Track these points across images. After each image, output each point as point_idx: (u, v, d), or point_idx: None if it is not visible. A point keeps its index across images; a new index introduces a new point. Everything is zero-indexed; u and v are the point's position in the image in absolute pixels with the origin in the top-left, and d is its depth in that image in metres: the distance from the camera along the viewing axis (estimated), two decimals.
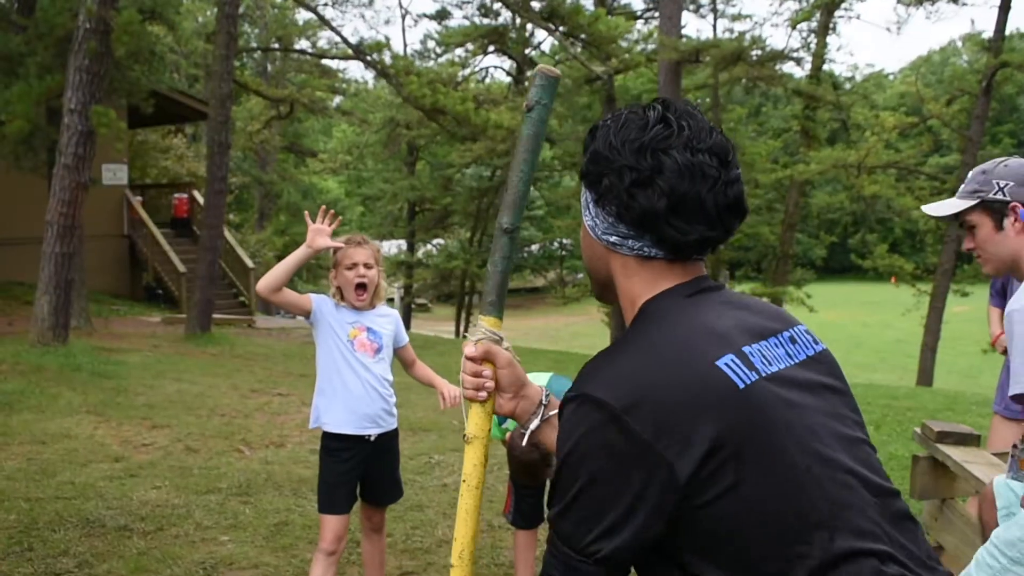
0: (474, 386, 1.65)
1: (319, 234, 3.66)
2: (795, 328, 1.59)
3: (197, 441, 7.21)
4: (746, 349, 1.45)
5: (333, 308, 3.82)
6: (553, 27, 18.00)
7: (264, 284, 3.62)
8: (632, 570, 1.45)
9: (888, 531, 1.42)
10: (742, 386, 1.39)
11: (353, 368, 3.77)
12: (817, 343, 1.61)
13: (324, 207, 3.70)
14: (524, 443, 1.71)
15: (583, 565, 1.40)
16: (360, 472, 3.81)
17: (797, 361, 1.52)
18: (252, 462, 6.64)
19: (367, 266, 3.79)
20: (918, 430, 3.82)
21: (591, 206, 1.58)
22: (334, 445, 3.78)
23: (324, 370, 3.81)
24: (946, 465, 3.53)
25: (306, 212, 3.85)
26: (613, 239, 1.56)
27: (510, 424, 3.60)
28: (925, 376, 23.78)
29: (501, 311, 1.70)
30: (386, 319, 3.93)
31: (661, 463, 1.33)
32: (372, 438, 3.79)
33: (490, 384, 1.66)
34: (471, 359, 1.67)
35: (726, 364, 1.40)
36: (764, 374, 1.43)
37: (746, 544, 1.36)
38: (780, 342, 1.53)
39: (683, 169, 1.47)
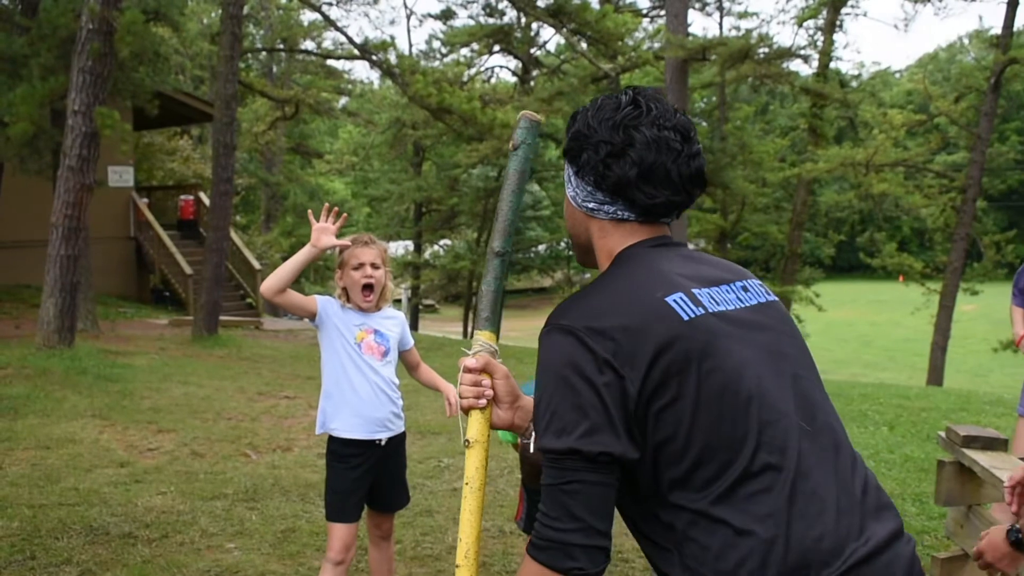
0: (475, 394, 1.80)
1: (324, 233, 3.55)
2: (748, 280, 1.82)
3: (203, 445, 7.13)
4: (695, 290, 1.68)
5: (339, 310, 3.73)
6: (560, 24, 17.87)
7: (268, 286, 3.53)
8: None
9: (811, 455, 1.60)
10: (686, 318, 1.61)
11: (361, 371, 3.68)
12: (769, 294, 1.83)
13: (328, 205, 3.60)
14: (532, 451, 1.78)
15: (573, 462, 1.56)
16: (371, 478, 3.72)
17: (747, 305, 1.74)
18: (259, 466, 6.55)
19: (374, 266, 3.70)
20: (942, 434, 3.71)
21: (572, 178, 1.82)
22: (344, 451, 3.68)
23: (331, 374, 3.72)
24: (972, 471, 3.41)
25: (309, 211, 3.73)
26: (591, 205, 1.80)
27: None
28: (935, 375, 23.64)
29: (497, 326, 1.85)
30: (392, 321, 3.84)
31: (618, 376, 1.56)
32: (383, 443, 3.70)
33: (489, 392, 1.81)
34: (471, 369, 1.82)
35: (674, 300, 1.63)
36: (711, 311, 1.65)
37: (686, 449, 1.57)
38: (732, 289, 1.75)
39: (651, 142, 1.71)
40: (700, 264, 1.78)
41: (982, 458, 3.33)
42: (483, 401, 1.80)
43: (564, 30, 17.93)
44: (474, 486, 1.72)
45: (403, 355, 3.89)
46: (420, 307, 38.90)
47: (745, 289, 1.78)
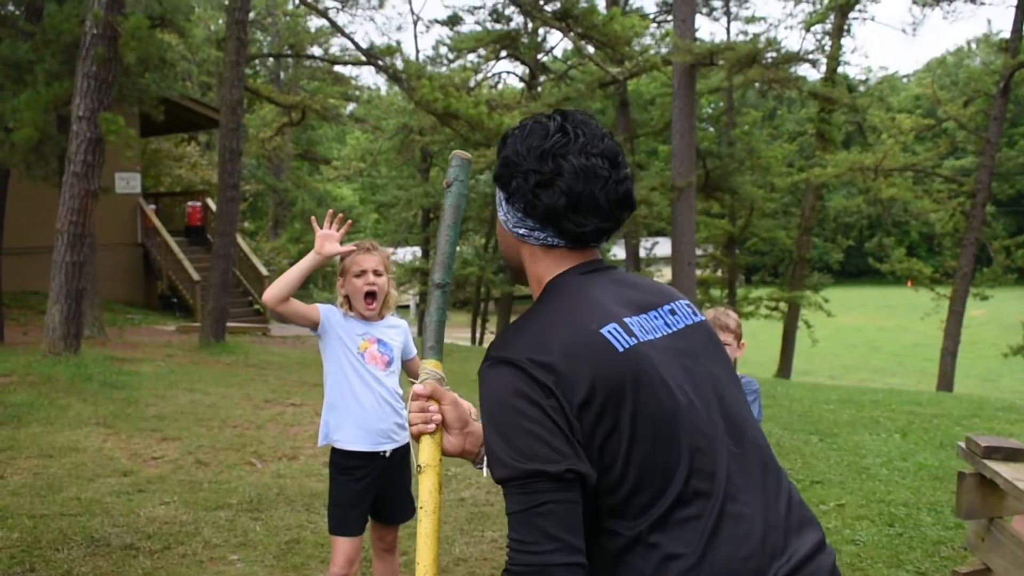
0: (423, 420, 1.81)
1: (327, 240, 3.46)
2: (676, 302, 1.86)
3: (208, 454, 7.05)
4: (627, 320, 1.72)
5: (341, 319, 3.64)
6: (567, 28, 17.77)
7: (270, 294, 3.45)
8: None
9: (739, 477, 1.68)
10: (621, 349, 1.66)
11: (365, 381, 3.59)
12: (696, 314, 1.88)
13: (332, 211, 3.51)
14: (486, 476, 1.80)
15: (540, 484, 1.57)
16: (374, 491, 3.64)
17: (675, 330, 1.79)
18: (264, 475, 6.47)
19: (376, 273, 3.61)
20: (962, 444, 3.61)
21: (503, 203, 1.84)
22: (347, 463, 3.60)
23: (334, 384, 3.63)
24: (994, 482, 3.32)
25: (312, 217, 3.64)
26: (522, 231, 1.82)
27: None
28: (945, 381, 23.47)
29: (441, 354, 1.90)
30: (396, 330, 3.75)
31: (563, 403, 1.59)
32: (387, 454, 3.62)
33: (437, 417, 1.82)
34: (419, 396, 1.83)
35: (608, 332, 1.67)
36: (642, 340, 1.70)
37: (622, 478, 1.61)
38: (660, 314, 1.80)
39: (579, 171, 1.73)
40: (630, 289, 1.82)
41: (1004, 470, 3.24)
42: (431, 426, 1.82)
43: (571, 34, 17.80)
44: (428, 509, 1.75)
45: (406, 364, 3.81)
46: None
47: (672, 312, 1.83)
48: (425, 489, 1.77)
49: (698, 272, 25.20)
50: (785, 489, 1.74)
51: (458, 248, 36.77)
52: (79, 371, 10.29)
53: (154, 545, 4.87)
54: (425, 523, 1.75)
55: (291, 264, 29.45)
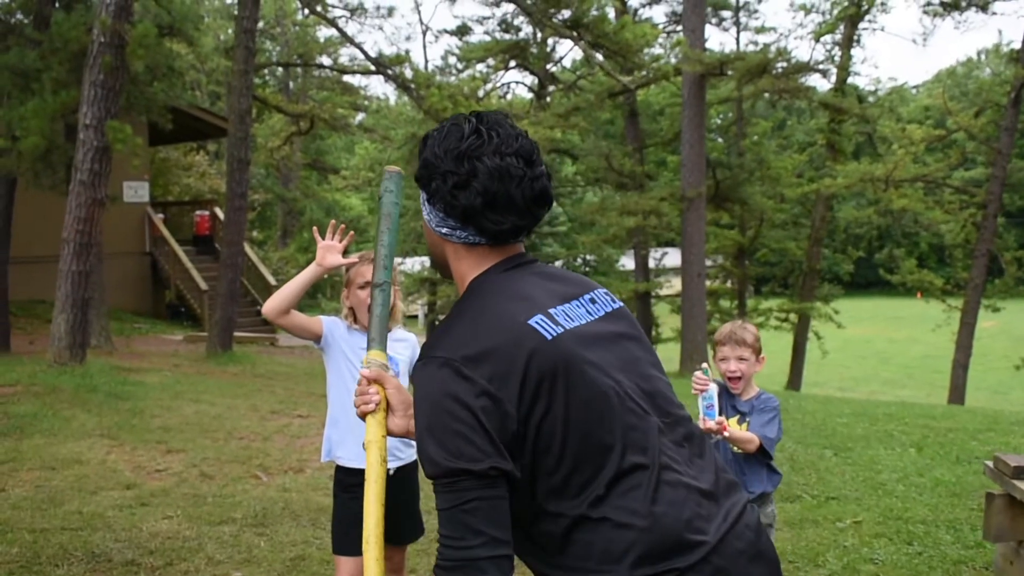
0: (363, 401, 1.96)
1: (329, 251, 3.33)
2: (595, 291, 1.97)
3: (213, 466, 6.95)
4: (552, 310, 1.83)
5: (345, 331, 3.53)
6: (577, 36, 17.67)
7: (270, 307, 3.34)
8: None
9: (670, 449, 1.80)
10: (549, 337, 1.76)
11: None
12: (615, 302, 1.99)
13: (334, 222, 3.39)
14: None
15: (466, 482, 1.66)
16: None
17: (596, 317, 1.90)
18: (269, 489, 6.37)
19: None
20: (990, 464, 3.49)
21: (426, 203, 1.93)
22: (350, 480, 3.48)
23: (336, 399, 3.52)
24: None
25: (315, 228, 3.51)
26: (444, 230, 1.92)
27: None
28: (957, 394, 23.28)
29: (384, 345, 2.05)
30: (403, 344, 3.62)
31: (496, 398, 1.69)
32: (391, 472, 3.49)
33: (377, 398, 1.96)
34: (364, 378, 1.98)
35: (536, 322, 1.78)
36: (567, 328, 1.81)
37: (560, 459, 1.71)
38: (581, 303, 1.90)
39: (493, 172, 1.82)
40: (551, 281, 1.92)
41: None
42: (371, 406, 1.95)
43: (582, 43, 17.69)
44: (371, 478, 1.91)
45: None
46: (436, 323, 38.72)
47: (593, 301, 1.94)
48: (370, 462, 1.93)
49: (708, 283, 25.07)
50: (710, 456, 1.88)
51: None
52: (84, 381, 10.20)
53: (156, 561, 4.77)
54: (369, 490, 1.93)
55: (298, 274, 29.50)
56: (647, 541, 1.70)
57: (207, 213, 22.86)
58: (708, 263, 25.77)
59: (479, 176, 1.82)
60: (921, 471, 7.51)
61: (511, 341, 1.74)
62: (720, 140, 32.31)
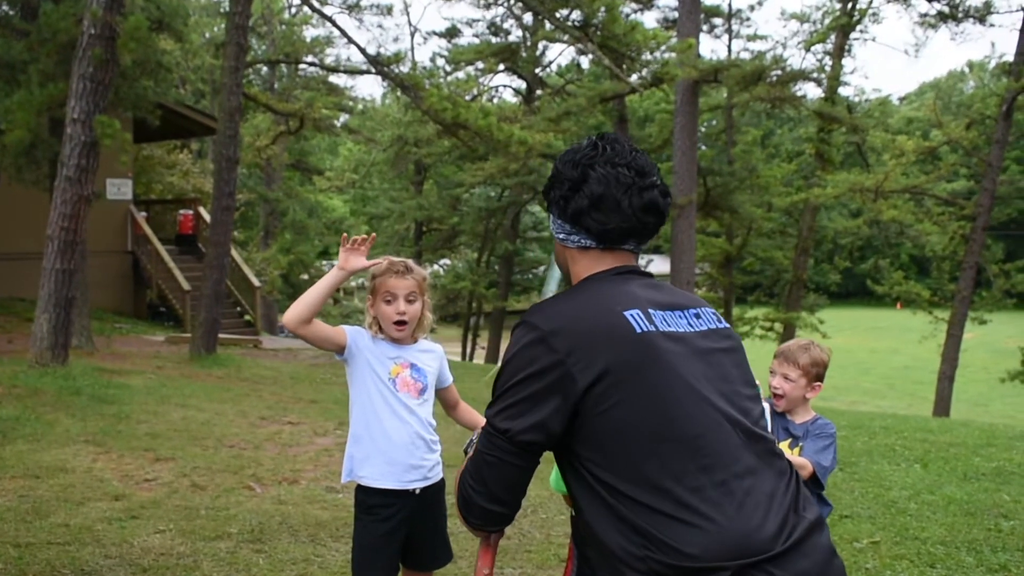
0: None
1: (353, 254, 3.10)
2: (702, 308, 2.06)
3: (204, 476, 6.68)
4: (651, 310, 1.93)
5: (370, 341, 3.26)
6: (585, 37, 17.45)
7: (292, 316, 3.08)
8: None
9: (746, 460, 1.84)
10: (639, 331, 1.87)
11: (395, 412, 3.21)
12: (721, 322, 2.07)
13: (346, 235, 3.14)
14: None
15: (500, 442, 1.91)
16: (404, 531, 3.25)
17: (697, 330, 1.98)
18: (264, 501, 6.10)
19: (409, 299, 3.24)
20: None
21: (550, 215, 2.12)
22: (373, 501, 3.22)
23: (361, 414, 3.25)
24: None
25: (344, 235, 3.25)
26: (561, 235, 2.10)
27: None
28: (942, 405, 23.23)
29: None
30: (430, 355, 3.37)
31: (568, 375, 1.83)
32: (418, 492, 3.25)
33: None
34: None
35: (631, 315, 1.89)
36: (661, 330, 1.90)
37: (627, 448, 1.81)
38: (684, 315, 1.99)
39: (602, 178, 2.00)
40: (659, 291, 2.03)
41: None
42: None
43: (589, 44, 17.46)
44: None
45: (441, 393, 3.43)
46: (433, 330, 38.43)
47: (698, 316, 2.02)
48: None
49: (696, 291, 24.94)
50: (787, 475, 1.91)
51: (452, 261, 36.68)
52: (67, 384, 9.90)
53: None
54: None
55: (281, 275, 28.96)
56: (705, 542, 1.75)
57: (190, 212, 22.52)
58: (695, 271, 25.65)
59: (589, 181, 2.01)
60: (931, 488, 7.34)
61: (601, 324, 1.87)
62: (704, 148, 32.23)
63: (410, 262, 3.31)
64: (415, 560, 3.35)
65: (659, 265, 31.01)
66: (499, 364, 2.00)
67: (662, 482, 1.79)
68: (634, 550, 1.79)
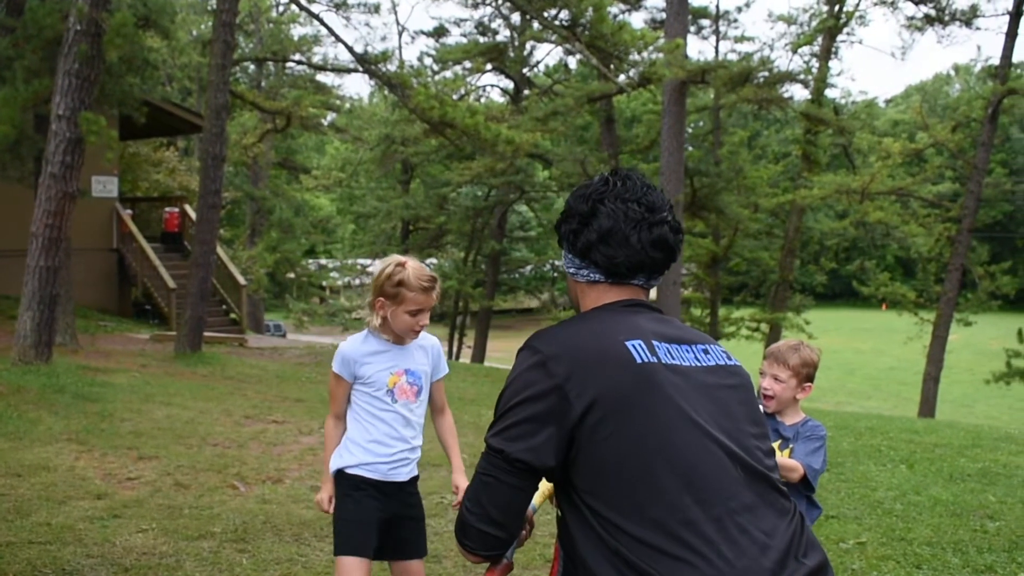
0: None
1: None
2: (711, 345, 2.05)
3: (187, 475, 6.63)
4: (655, 342, 1.93)
5: (364, 355, 3.31)
6: (573, 36, 17.42)
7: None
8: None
9: (742, 498, 1.81)
10: (639, 361, 1.86)
11: (393, 418, 3.30)
12: (731, 360, 2.06)
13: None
14: None
15: (498, 461, 1.90)
16: (387, 513, 3.31)
17: (703, 365, 1.97)
18: (248, 500, 6.06)
19: (428, 311, 3.31)
20: None
21: (562, 248, 2.14)
22: (358, 483, 3.29)
23: (356, 417, 3.33)
24: None
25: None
26: (571, 270, 2.12)
27: None
28: (928, 407, 23.34)
29: None
30: (423, 351, 3.41)
31: (565, 399, 1.83)
32: (402, 481, 3.33)
33: None
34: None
35: (632, 345, 1.89)
36: (664, 362, 1.90)
37: (620, 478, 1.79)
38: (691, 349, 1.99)
39: (611, 213, 2.02)
40: (667, 325, 2.02)
41: None
42: None
43: (577, 44, 17.44)
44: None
45: (431, 386, 3.48)
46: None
47: (706, 352, 2.02)
48: None
49: (682, 291, 24.97)
50: (789, 515, 1.87)
51: (439, 260, 36.67)
52: (50, 381, 9.83)
53: None
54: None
55: (268, 274, 28.74)
56: None
57: (176, 210, 22.44)
58: (682, 271, 25.69)
59: (598, 216, 2.03)
60: (917, 489, 7.35)
61: (601, 351, 1.87)
62: (691, 149, 32.29)
63: (435, 275, 3.32)
64: (401, 547, 3.39)
65: None
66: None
67: (654, 514, 1.77)
68: None
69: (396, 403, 3.29)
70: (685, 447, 1.81)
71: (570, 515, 1.90)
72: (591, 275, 2.06)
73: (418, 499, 3.42)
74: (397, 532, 3.35)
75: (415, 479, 3.40)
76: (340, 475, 3.33)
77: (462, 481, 3.40)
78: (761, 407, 3.35)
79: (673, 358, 1.92)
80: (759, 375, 3.46)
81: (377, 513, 3.27)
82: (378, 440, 3.28)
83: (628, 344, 1.88)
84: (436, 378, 3.46)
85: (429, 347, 3.43)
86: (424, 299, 3.24)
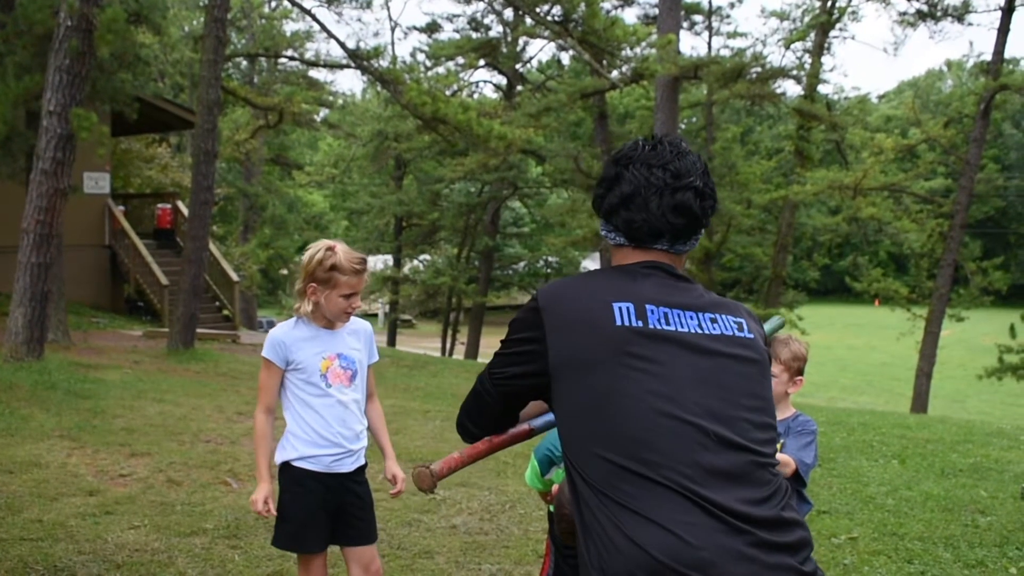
0: None
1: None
2: (722, 315, 2.02)
3: (180, 472, 6.62)
4: (649, 306, 1.95)
5: (295, 340, 3.32)
6: (565, 32, 17.41)
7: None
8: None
9: (704, 467, 1.80)
10: (618, 323, 1.91)
11: (329, 405, 3.31)
12: (742, 331, 2.02)
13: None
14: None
15: (486, 384, 2.16)
16: (334, 504, 3.34)
17: (705, 332, 1.96)
18: (240, 497, 6.05)
19: (360, 293, 3.35)
20: None
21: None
22: (298, 484, 3.31)
23: (293, 408, 3.35)
24: None
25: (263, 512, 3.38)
26: (603, 232, 2.15)
27: (556, 475, 3.12)
28: (920, 402, 23.38)
29: None
30: (355, 336, 3.43)
31: (543, 347, 1.97)
32: (346, 471, 3.36)
33: None
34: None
35: (619, 307, 1.93)
36: (652, 326, 1.92)
37: (578, 440, 1.91)
38: (696, 316, 1.98)
39: (634, 178, 2.05)
40: (679, 292, 2.02)
41: None
42: None
43: (569, 39, 17.44)
44: None
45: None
46: (397, 322, 38.40)
47: (714, 321, 2.00)
48: None
49: None
50: (769, 492, 1.87)
51: (432, 256, 36.63)
52: (42, 378, 9.80)
53: (123, 575, 4.46)
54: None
55: (260, 270, 28.62)
56: (639, 557, 1.75)
57: (169, 206, 22.41)
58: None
59: (623, 180, 2.06)
60: (909, 484, 7.37)
61: (585, 309, 1.95)
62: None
63: (364, 256, 3.34)
64: (353, 535, 3.45)
65: None
66: None
67: (603, 474, 1.85)
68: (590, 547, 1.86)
69: (331, 388, 3.30)
70: (638, 414, 1.85)
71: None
72: (617, 238, 2.10)
73: (365, 488, 3.45)
74: (345, 520, 3.39)
75: (362, 468, 3.42)
76: (284, 468, 3.36)
77: (397, 470, 3.47)
78: None
79: (668, 324, 1.94)
80: None
81: (321, 505, 3.31)
82: (316, 430, 3.29)
83: (615, 305, 1.93)
84: (368, 363, 3.49)
85: (361, 331, 3.46)
86: (357, 281, 3.27)
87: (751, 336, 2.03)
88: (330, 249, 3.26)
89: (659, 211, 2.02)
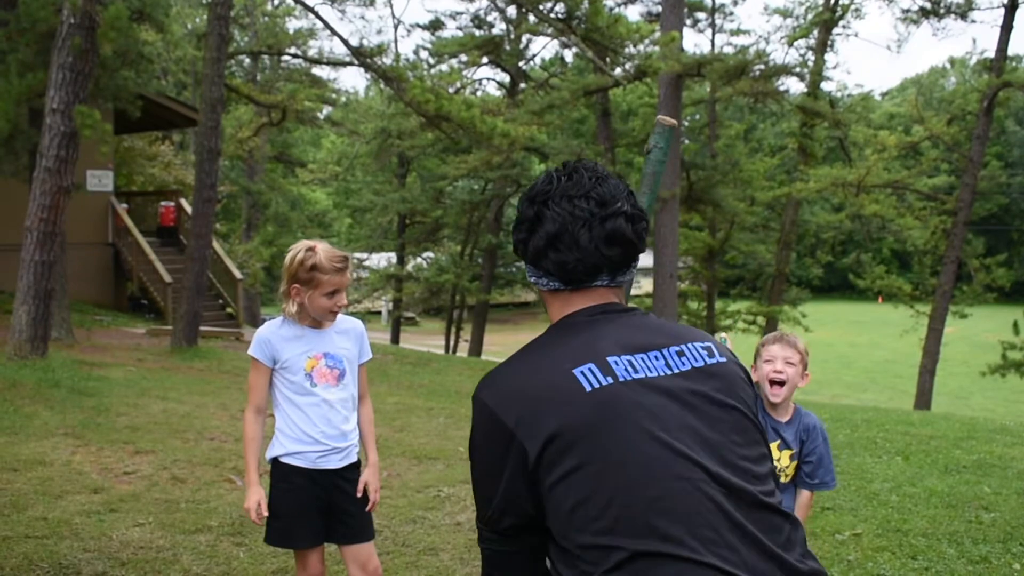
0: None
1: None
2: (688, 344, 1.85)
3: (184, 469, 6.63)
4: (612, 358, 1.76)
5: (281, 339, 3.32)
6: (568, 29, 17.40)
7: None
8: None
9: (718, 525, 1.63)
10: (589, 389, 1.71)
11: (314, 403, 3.32)
12: (713, 357, 1.85)
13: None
14: None
15: (487, 532, 1.83)
16: (324, 500, 3.35)
17: (676, 371, 1.79)
18: (244, 494, 6.06)
19: (344, 291, 3.34)
20: None
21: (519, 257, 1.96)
22: (286, 480, 3.35)
23: (282, 408, 3.37)
24: None
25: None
26: (533, 279, 1.94)
27: None
28: (924, 399, 23.38)
29: None
30: (345, 335, 3.43)
31: (520, 447, 1.69)
32: (336, 469, 3.37)
33: None
34: None
35: (581, 371, 1.73)
36: (622, 380, 1.73)
37: (578, 526, 1.64)
38: (662, 355, 1.80)
39: (557, 214, 1.84)
40: (635, 331, 1.84)
41: None
42: None
43: (572, 37, 17.44)
44: None
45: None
46: (401, 320, 38.40)
47: (680, 354, 1.83)
48: None
49: (678, 284, 24.98)
50: (782, 541, 1.71)
51: (436, 254, 36.64)
52: (46, 376, 9.82)
53: (128, 573, 4.46)
54: None
55: (263, 268, 28.64)
56: None
57: (172, 204, 22.43)
58: (679, 264, 25.68)
59: (545, 219, 1.85)
60: (912, 480, 7.37)
61: (547, 387, 1.73)
62: (687, 142, 32.29)
63: (346, 255, 3.36)
64: (350, 533, 3.46)
65: (642, 259, 30.99)
66: None
67: (615, 556, 1.62)
68: None
69: (316, 387, 3.30)
70: (651, 476, 1.65)
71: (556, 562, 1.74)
72: (550, 283, 1.89)
73: (356, 485, 3.45)
74: (338, 517, 3.40)
75: (353, 466, 3.43)
76: (273, 464, 3.39)
77: (373, 479, 3.45)
78: (770, 396, 3.34)
79: (636, 371, 1.76)
80: (763, 363, 3.42)
81: (310, 501, 3.33)
82: (301, 428, 3.31)
83: (576, 372, 1.73)
84: (359, 362, 3.49)
85: (352, 330, 3.45)
86: (339, 279, 3.26)
87: (720, 360, 1.86)
88: (310, 249, 3.26)
89: (591, 245, 1.82)
